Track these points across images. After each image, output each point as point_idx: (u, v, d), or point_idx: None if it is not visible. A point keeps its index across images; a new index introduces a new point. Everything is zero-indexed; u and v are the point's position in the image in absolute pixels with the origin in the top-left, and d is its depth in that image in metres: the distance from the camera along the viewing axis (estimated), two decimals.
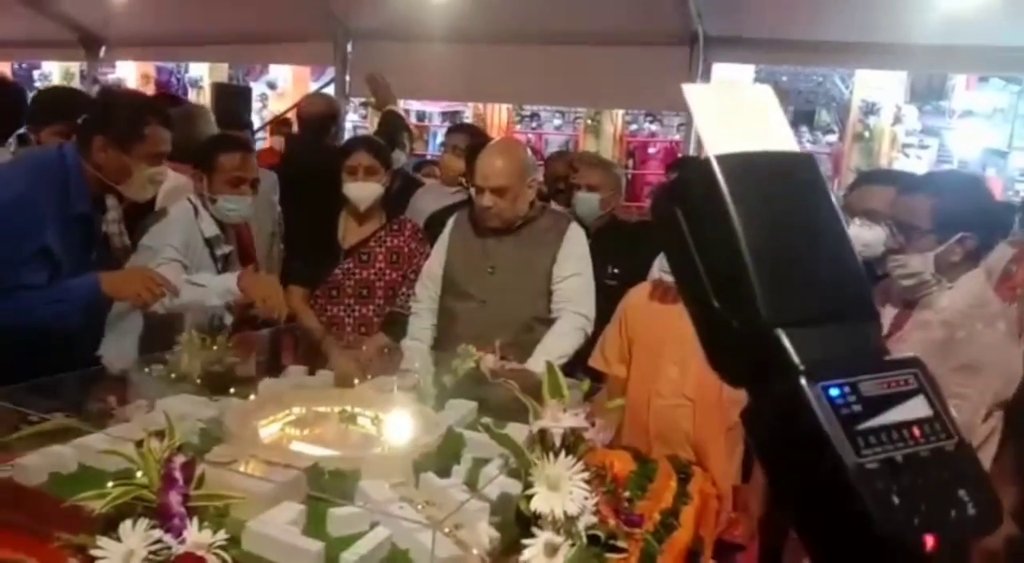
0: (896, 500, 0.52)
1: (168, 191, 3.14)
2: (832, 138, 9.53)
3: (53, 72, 10.01)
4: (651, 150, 9.73)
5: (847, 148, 8.59)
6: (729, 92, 0.66)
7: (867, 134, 8.27)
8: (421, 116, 10.94)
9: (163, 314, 2.38)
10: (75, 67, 9.25)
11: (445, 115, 10.89)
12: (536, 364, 2.35)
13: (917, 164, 7.95)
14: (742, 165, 0.60)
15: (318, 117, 4.13)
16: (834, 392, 0.55)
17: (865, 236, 2.49)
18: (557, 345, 2.53)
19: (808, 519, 0.58)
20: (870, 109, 8.24)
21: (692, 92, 0.63)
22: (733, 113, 0.63)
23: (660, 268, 2.43)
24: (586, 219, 3.17)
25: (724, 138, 0.61)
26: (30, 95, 3.45)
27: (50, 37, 6.63)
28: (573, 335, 2.60)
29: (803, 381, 0.55)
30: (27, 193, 2.18)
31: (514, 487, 1.56)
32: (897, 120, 8.30)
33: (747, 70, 8.62)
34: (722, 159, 0.60)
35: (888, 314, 2.18)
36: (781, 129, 0.64)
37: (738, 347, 0.59)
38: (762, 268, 0.58)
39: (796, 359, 0.56)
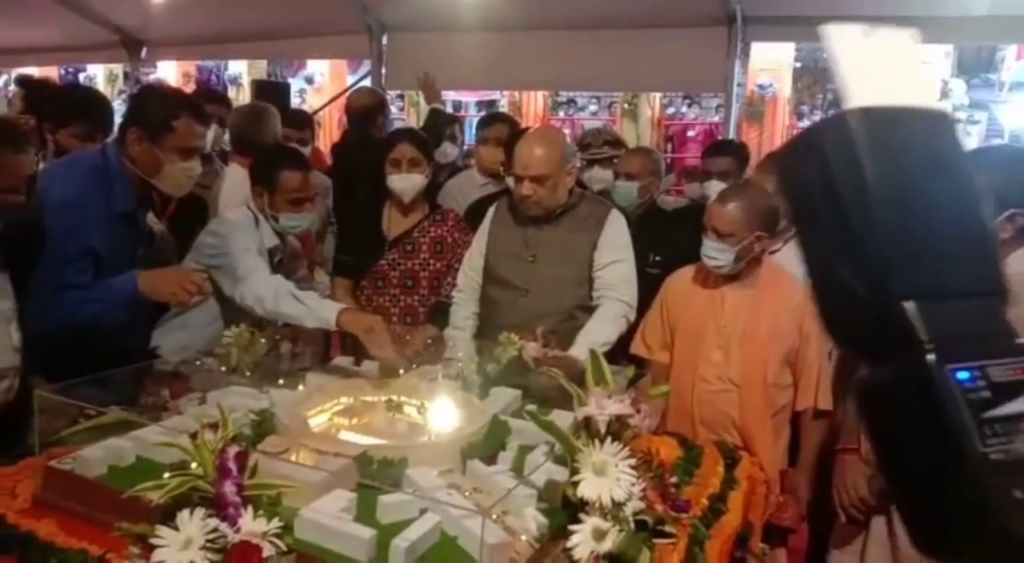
0: (1019, 495, 0.50)
1: (233, 184, 3.22)
2: None
3: (97, 74, 10.23)
4: (690, 133, 9.59)
5: None
6: (873, 37, 0.62)
7: None
8: (457, 106, 10.94)
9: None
10: (118, 69, 9.45)
11: (480, 104, 10.87)
12: (579, 351, 2.35)
13: (967, 140, 7.71)
14: (881, 122, 0.57)
15: (363, 109, 4.17)
16: (963, 375, 0.52)
17: None
18: (600, 332, 2.52)
19: (917, 500, 0.56)
20: None
21: (835, 34, 0.60)
22: (875, 61, 0.60)
23: (701, 252, 2.41)
24: (625, 208, 3.15)
25: (864, 89, 0.58)
26: None
27: (93, 40, 6.79)
28: (616, 322, 2.59)
29: (930, 359, 0.53)
30: (72, 195, 2.23)
31: (560, 473, 1.56)
32: (944, 95, 8.05)
33: (787, 48, 8.48)
34: (861, 114, 0.57)
35: None
36: (922, 80, 0.61)
37: (861, 316, 0.57)
38: (894, 235, 0.55)
39: (923, 334, 0.54)
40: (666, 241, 3.06)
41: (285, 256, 2.80)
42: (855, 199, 0.56)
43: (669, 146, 9.46)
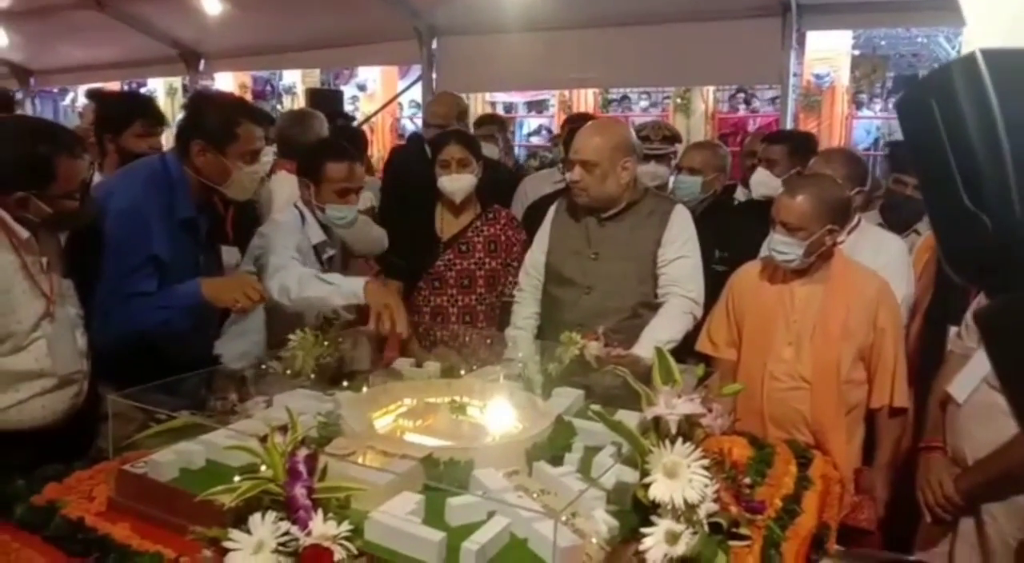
0: None
1: (280, 188, 3.26)
2: None
3: (158, 89, 10.54)
4: (751, 128, 9.41)
5: None
6: None
7: None
8: (508, 107, 10.96)
9: (290, 310, 2.45)
10: (177, 82, 9.71)
11: (531, 105, 10.87)
12: (643, 349, 2.30)
13: None
14: (1010, 62, 0.58)
15: (444, 118, 4.15)
16: None
17: None
18: (665, 329, 2.48)
19: None
20: None
21: None
22: (999, 4, 0.62)
23: (768, 246, 2.35)
24: (688, 203, 3.09)
25: (991, 31, 0.59)
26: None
27: (153, 55, 7.02)
28: (681, 319, 2.54)
29: None
30: (134, 203, 2.27)
31: (629, 475, 1.52)
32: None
33: (844, 36, 8.25)
34: (988, 54, 0.58)
35: None
36: None
37: (985, 246, 0.58)
38: (1022, 168, 0.56)
39: None
40: (731, 237, 3.00)
41: (336, 252, 2.82)
42: (983, 135, 0.57)
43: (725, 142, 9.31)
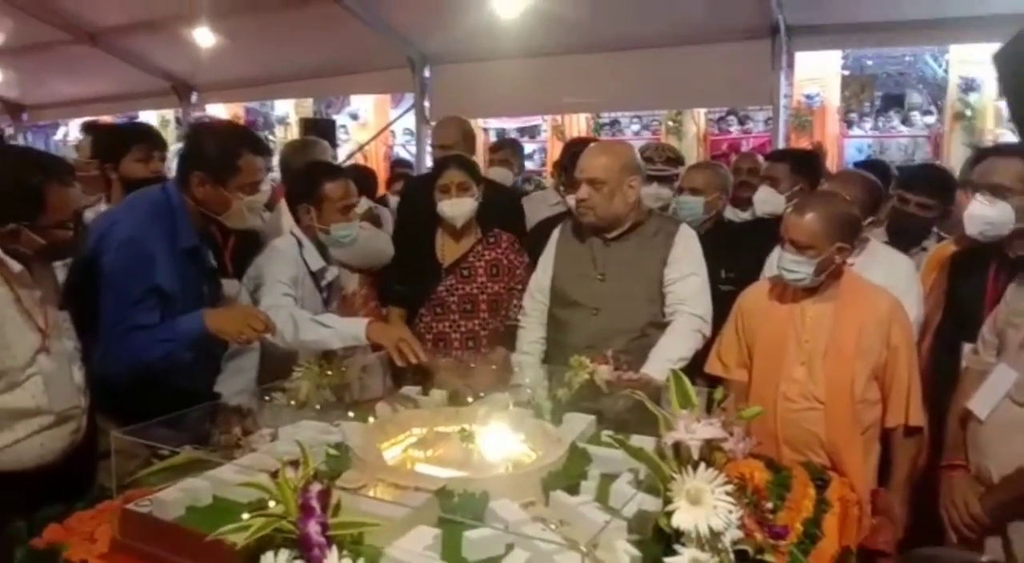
0: None
1: (284, 217, 3.23)
2: (930, 120, 9.03)
3: (150, 120, 10.53)
4: (744, 149, 9.46)
5: (947, 128, 8.14)
6: None
7: (968, 112, 7.81)
8: (500, 133, 11.01)
9: (283, 349, 2.42)
10: (169, 114, 9.72)
11: (523, 130, 10.91)
12: (654, 369, 2.28)
13: None
14: None
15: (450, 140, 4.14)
16: None
17: (989, 214, 2.30)
18: (675, 348, 2.46)
19: None
20: (969, 86, 7.77)
21: None
22: None
23: (777, 265, 2.32)
24: (691, 223, 3.08)
25: None
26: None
27: (146, 88, 7.05)
28: (690, 336, 2.52)
29: None
30: (137, 234, 2.23)
31: (650, 503, 1.49)
32: (1001, 95, 7.81)
33: (833, 56, 8.32)
34: None
35: None
36: None
37: None
38: None
39: None
40: (736, 256, 2.98)
41: (335, 286, 2.79)
42: None
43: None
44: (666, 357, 2.37)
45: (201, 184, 2.31)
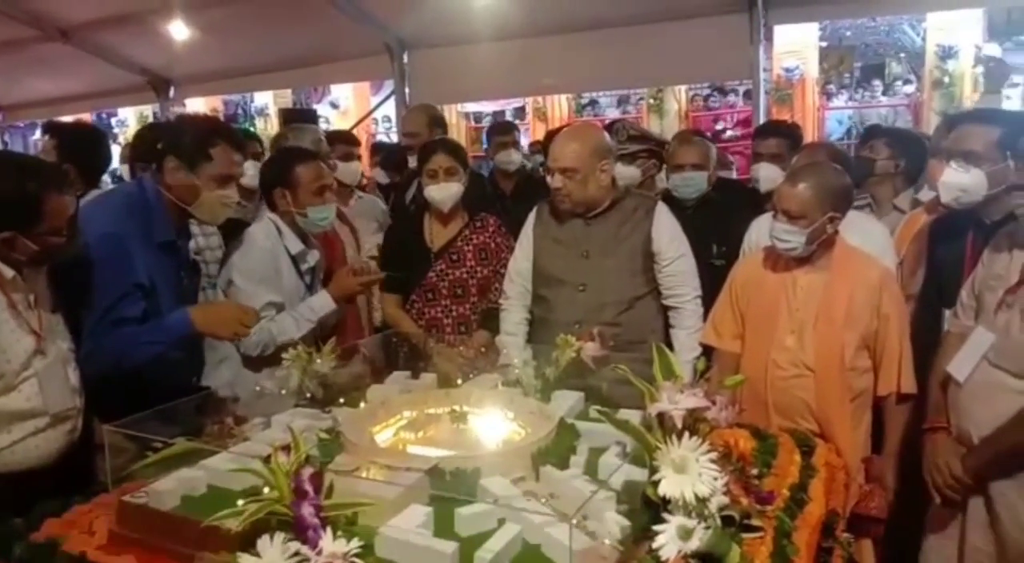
0: None
1: None
2: (910, 89, 9.07)
3: (129, 117, 10.45)
4: (719, 125, 9.48)
5: (926, 96, 8.19)
6: None
7: (947, 79, 7.86)
8: (478, 117, 10.98)
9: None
10: (148, 110, 9.63)
11: (497, 113, 10.88)
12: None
13: (1008, 105, 7.50)
14: None
15: (417, 128, 4.12)
16: None
17: (963, 180, 2.32)
18: (691, 348, 2.60)
19: None
20: (947, 53, 7.82)
21: None
22: None
23: (770, 234, 2.35)
24: (692, 199, 3.11)
25: None
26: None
27: (122, 84, 6.95)
28: (697, 328, 2.64)
29: None
30: (112, 229, 2.23)
31: (637, 474, 1.52)
32: (978, 61, 7.85)
33: (811, 28, 8.34)
34: None
35: (1019, 260, 2.03)
36: None
37: None
38: None
39: None
40: (726, 230, 3.02)
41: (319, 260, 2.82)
42: None
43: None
44: (691, 351, 2.57)
45: (174, 170, 2.31)
